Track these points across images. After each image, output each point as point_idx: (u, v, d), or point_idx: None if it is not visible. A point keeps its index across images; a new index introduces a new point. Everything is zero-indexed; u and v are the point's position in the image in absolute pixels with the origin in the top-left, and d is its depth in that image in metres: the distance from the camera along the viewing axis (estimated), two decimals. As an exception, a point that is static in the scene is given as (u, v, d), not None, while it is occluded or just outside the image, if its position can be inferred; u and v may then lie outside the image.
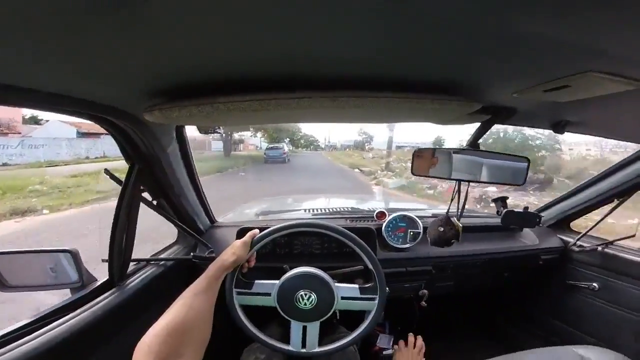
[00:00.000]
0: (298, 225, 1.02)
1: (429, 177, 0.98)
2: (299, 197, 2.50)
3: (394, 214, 1.38)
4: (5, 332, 0.66)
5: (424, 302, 1.40)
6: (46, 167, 11.29)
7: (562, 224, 1.60)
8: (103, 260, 0.94)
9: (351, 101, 0.58)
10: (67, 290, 0.91)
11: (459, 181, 0.94)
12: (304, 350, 1.02)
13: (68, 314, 0.76)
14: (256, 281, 1.02)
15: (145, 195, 1.02)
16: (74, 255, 0.89)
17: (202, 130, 0.94)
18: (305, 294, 0.97)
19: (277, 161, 18.24)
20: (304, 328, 1.01)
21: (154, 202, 1.07)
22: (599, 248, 1.39)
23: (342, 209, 1.60)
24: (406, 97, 0.60)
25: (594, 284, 1.41)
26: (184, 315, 0.64)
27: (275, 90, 0.56)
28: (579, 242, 1.47)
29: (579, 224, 1.63)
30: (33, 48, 0.40)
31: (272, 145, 21.27)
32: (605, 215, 1.37)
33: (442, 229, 1.05)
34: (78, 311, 0.78)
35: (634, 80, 0.51)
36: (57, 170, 10.54)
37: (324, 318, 1.00)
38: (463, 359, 1.18)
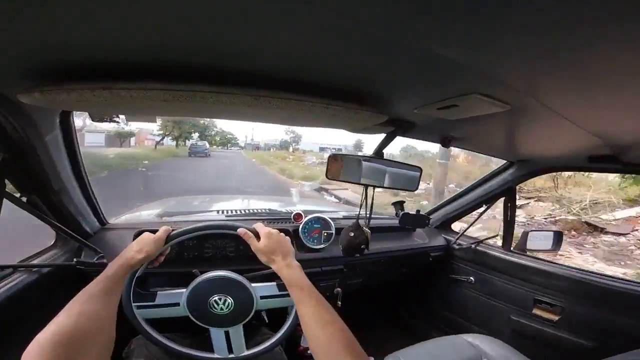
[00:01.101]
0: (226, 227, 0.95)
1: (340, 181, 1.07)
2: (211, 198, 2.35)
3: (310, 216, 1.44)
4: None
5: (339, 302, 1.47)
6: None
7: (446, 225, 1.91)
8: None
9: (274, 102, 0.58)
10: None
11: (367, 186, 1.06)
12: (232, 355, 0.99)
13: None
14: (159, 292, 0.94)
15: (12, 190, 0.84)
16: None
17: (95, 118, 0.82)
18: (220, 299, 0.94)
19: (200, 155, 21.60)
20: (226, 333, 0.98)
21: (23, 199, 0.90)
22: (472, 246, 1.69)
23: (259, 211, 1.59)
24: (326, 103, 0.63)
25: (471, 278, 1.70)
26: (74, 323, 0.56)
27: (193, 81, 0.52)
28: (458, 241, 1.77)
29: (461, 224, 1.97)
30: None
31: (195, 142, 26.40)
32: (476, 219, 1.70)
33: (352, 234, 1.15)
34: None
35: (504, 103, 0.63)
36: None
37: (246, 320, 0.98)
38: (377, 350, 1.29)
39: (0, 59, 0.50)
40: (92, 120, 0.82)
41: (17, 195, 0.88)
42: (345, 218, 1.62)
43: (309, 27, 0.38)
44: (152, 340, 0.95)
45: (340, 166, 1.03)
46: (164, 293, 0.94)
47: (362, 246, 1.16)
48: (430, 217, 1.69)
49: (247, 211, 1.58)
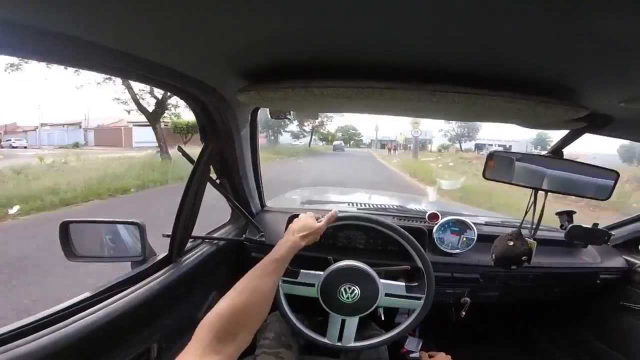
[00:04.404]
0: (379, 223, 1.02)
1: (501, 182, 0.92)
2: (342, 190, 2.48)
3: (447, 217, 1.32)
4: (69, 304, 0.68)
5: (463, 312, 1.35)
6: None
7: (631, 244, 1.47)
8: (164, 236, 0.96)
9: (450, 96, 0.54)
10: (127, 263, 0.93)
11: (537, 190, 0.87)
12: (339, 343, 1.02)
13: (127, 288, 0.78)
14: (302, 271, 1.01)
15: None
16: (141, 229, 0.90)
17: (274, 115, 0.94)
18: (349, 288, 0.96)
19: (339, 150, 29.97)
20: (343, 322, 1.01)
21: (218, 182, 1.09)
22: None
23: (389, 207, 1.55)
24: (510, 96, 0.54)
25: None
26: (247, 298, 0.63)
27: (371, 78, 0.53)
28: None
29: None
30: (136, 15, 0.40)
31: (337, 143, 35.47)
32: None
33: (512, 243, 0.97)
34: (137, 285, 0.80)
35: None
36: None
37: (365, 313, 0.99)
38: None
39: (223, 63, 0.60)
40: (271, 117, 0.95)
41: (215, 178, 1.09)
42: (487, 224, 1.42)
43: (495, 12, 0.34)
44: (283, 313, 1.03)
45: (502, 166, 0.89)
46: (306, 272, 1.01)
47: (523, 257, 0.97)
48: (613, 233, 1.31)
49: (377, 206, 1.56)
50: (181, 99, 0.83)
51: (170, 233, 0.94)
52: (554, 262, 1.36)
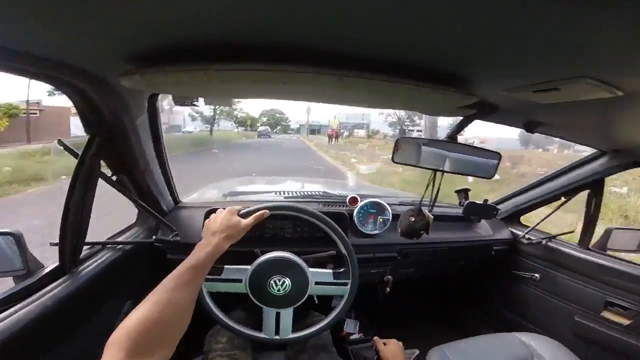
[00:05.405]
0: (303, 211, 1.01)
1: (407, 165, 1.00)
2: (267, 179, 2.43)
3: (365, 200, 1.39)
4: None
5: (387, 289, 1.45)
6: None
7: (514, 217, 1.74)
8: (52, 244, 0.83)
9: (359, 82, 0.54)
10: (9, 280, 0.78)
11: (435, 171, 0.97)
12: (277, 337, 1.01)
13: (11, 306, 0.66)
14: (226, 266, 0.97)
15: (105, 170, 0.91)
16: (17, 239, 0.77)
17: (178, 101, 0.84)
18: (279, 280, 0.95)
19: (265, 137, 29.55)
20: (277, 314, 0.99)
21: (114, 178, 0.96)
22: (544, 241, 1.53)
23: (314, 193, 1.58)
24: (413, 84, 0.58)
25: (536, 275, 1.55)
26: (161, 310, 0.57)
27: (277, 62, 0.51)
28: (527, 235, 1.60)
29: (527, 218, 1.78)
30: None
31: (262, 128, 34.33)
32: (553, 211, 1.51)
33: (413, 219, 1.08)
34: (24, 303, 0.68)
35: (617, 89, 0.53)
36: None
37: (298, 304, 0.99)
38: (423, 343, 1.25)
39: (103, 43, 0.51)
40: (175, 104, 0.86)
41: (110, 174, 0.95)
42: (402, 204, 1.54)
43: (406, 8, 0.34)
44: (210, 312, 0.98)
45: (407, 150, 0.96)
46: (231, 268, 0.97)
47: (422, 232, 1.09)
48: (499, 207, 1.53)
49: (303, 193, 1.57)
50: (54, 87, 0.70)
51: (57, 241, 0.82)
52: (455, 236, 1.54)
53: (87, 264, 0.90)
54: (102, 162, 0.89)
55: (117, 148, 0.89)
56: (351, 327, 1.67)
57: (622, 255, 1.42)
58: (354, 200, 1.41)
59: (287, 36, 0.46)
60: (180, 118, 27.86)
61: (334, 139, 22.24)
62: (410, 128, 27.93)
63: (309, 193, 1.56)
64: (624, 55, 0.43)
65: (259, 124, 39.19)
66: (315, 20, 0.41)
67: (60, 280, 0.80)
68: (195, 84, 0.54)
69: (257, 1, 0.36)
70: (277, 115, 42.19)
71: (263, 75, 0.51)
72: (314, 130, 36.95)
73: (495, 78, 0.63)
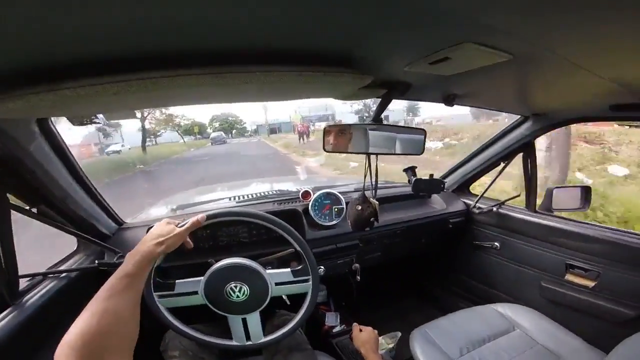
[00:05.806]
0: (248, 214, 0.98)
1: (341, 152, 1.02)
2: (221, 186, 2.38)
3: (318, 192, 1.41)
4: None
5: (358, 277, 1.46)
6: None
7: (463, 187, 1.82)
8: None
9: (237, 77, 0.52)
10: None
11: (368, 154, 1.00)
12: (249, 342, 1.01)
13: None
14: (177, 281, 0.96)
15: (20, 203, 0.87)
16: None
17: (75, 122, 0.78)
18: (236, 286, 0.94)
19: (219, 143, 27.03)
20: (244, 320, 0.99)
21: (34, 210, 0.91)
22: (494, 209, 1.59)
23: (268, 193, 1.58)
24: (299, 70, 0.57)
25: (496, 243, 1.61)
26: (98, 321, 0.56)
27: (141, 69, 0.47)
28: (477, 204, 1.67)
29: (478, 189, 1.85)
30: None
31: (215, 134, 31.47)
32: (495, 177, 1.60)
33: (359, 207, 1.08)
34: None
35: (505, 53, 0.55)
36: None
37: (263, 307, 0.99)
38: (403, 324, 1.28)
39: None
40: (73, 124, 0.78)
41: (26, 207, 0.89)
42: (357, 190, 1.57)
43: None
44: (173, 328, 0.98)
45: (336, 137, 0.98)
46: (182, 282, 0.96)
47: (372, 219, 1.09)
48: (445, 180, 1.60)
49: (257, 195, 1.57)
50: None
51: None
52: (410, 215, 1.58)
53: (30, 295, 0.87)
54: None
55: (22, 179, 0.83)
56: (332, 320, 1.68)
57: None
58: (306, 195, 1.43)
59: (139, 44, 0.44)
60: (118, 135, 25.31)
61: (305, 137, 20.15)
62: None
63: (263, 194, 1.57)
64: (503, 16, 0.43)
65: (210, 130, 37.13)
66: (169, 22, 0.39)
67: (2, 315, 0.77)
68: (52, 105, 0.50)
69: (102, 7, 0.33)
70: (230, 118, 39.94)
71: (121, 86, 0.48)
72: (274, 129, 34.36)
73: (391, 55, 0.63)
